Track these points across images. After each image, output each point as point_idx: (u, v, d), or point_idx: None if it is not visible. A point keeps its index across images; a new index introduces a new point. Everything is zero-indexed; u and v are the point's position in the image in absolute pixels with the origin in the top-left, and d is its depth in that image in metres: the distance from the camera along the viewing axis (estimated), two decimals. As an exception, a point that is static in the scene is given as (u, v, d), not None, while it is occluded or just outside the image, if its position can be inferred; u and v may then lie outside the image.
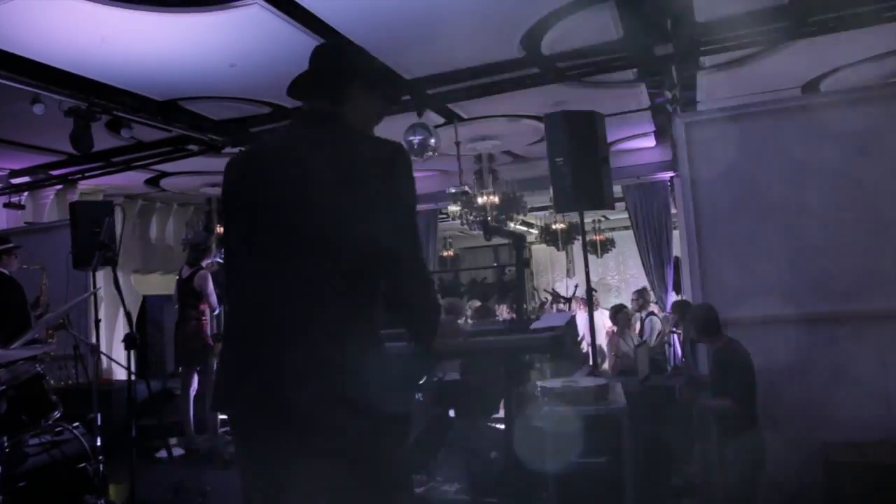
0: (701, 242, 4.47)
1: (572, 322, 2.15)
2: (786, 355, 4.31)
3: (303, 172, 1.71)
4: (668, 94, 6.65)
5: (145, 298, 10.03)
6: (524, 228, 14.88)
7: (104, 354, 4.26)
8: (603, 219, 14.85)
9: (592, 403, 2.58)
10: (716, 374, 3.86)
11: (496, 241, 13.67)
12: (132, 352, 3.79)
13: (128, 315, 3.93)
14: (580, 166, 4.06)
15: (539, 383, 2.74)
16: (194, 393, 6.76)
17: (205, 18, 4.78)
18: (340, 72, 1.89)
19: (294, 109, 1.75)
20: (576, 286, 6.36)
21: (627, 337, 7.22)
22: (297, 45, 5.16)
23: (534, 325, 2.15)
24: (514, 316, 7.45)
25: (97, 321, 6.05)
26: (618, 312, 7.49)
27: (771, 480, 4.13)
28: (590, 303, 4.25)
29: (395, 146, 1.78)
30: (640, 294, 10.32)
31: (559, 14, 5.15)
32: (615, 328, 7.43)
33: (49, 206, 9.31)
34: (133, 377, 3.73)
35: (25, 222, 9.02)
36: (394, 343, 1.92)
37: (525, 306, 9.32)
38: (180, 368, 7.03)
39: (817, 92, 7.17)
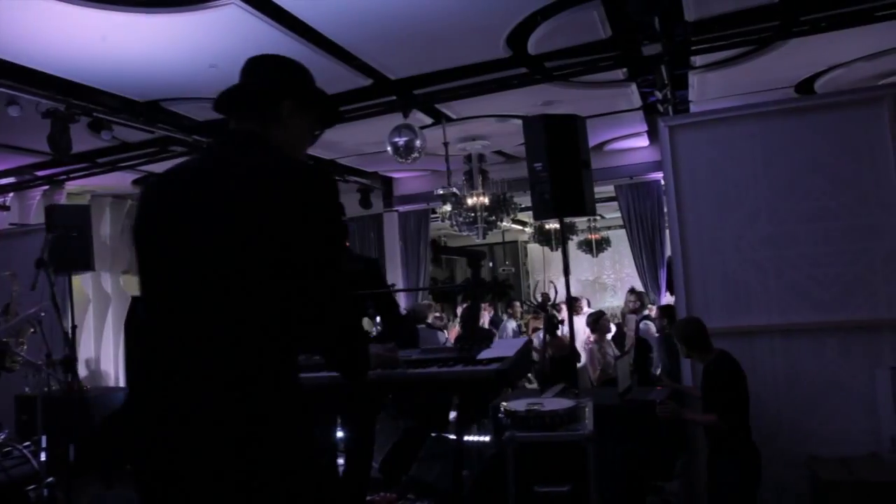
0: (685, 249, 4.35)
1: (525, 350, 2.02)
2: (772, 366, 4.19)
3: (211, 202, 1.55)
4: (659, 94, 6.53)
5: (134, 299, 9.91)
6: (519, 227, 14.78)
7: (58, 364, 4.12)
8: (599, 217, 14.74)
9: (558, 428, 2.47)
10: (706, 388, 3.73)
11: (490, 239, 13.60)
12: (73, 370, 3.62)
13: (65, 335, 3.77)
14: (560, 172, 3.92)
15: (503, 405, 2.62)
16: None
17: (181, 19, 4.69)
18: (273, 89, 1.73)
19: (219, 129, 1.63)
20: (555, 291, 6.18)
21: (607, 345, 7.07)
22: (276, 45, 5.06)
23: (481, 355, 2.03)
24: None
25: (73, 327, 5.96)
26: (597, 321, 7.31)
27: (756, 495, 4.03)
28: (570, 313, 4.11)
29: (320, 173, 1.62)
30: (638, 296, 10.19)
31: (544, 13, 5.04)
32: (595, 336, 7.26)
33: (35, 207, 9.20)
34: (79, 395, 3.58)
35: (10, 223, 8.92)
36: (322, 373, 1.78)
37: (510, 311, 9.20)
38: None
39: (806, 95, 7.06)
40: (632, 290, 10.71)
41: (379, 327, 3.57)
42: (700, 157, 4.36)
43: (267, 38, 4.95)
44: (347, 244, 3.76)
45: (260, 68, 1.79)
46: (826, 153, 4.13)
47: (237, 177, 1.57)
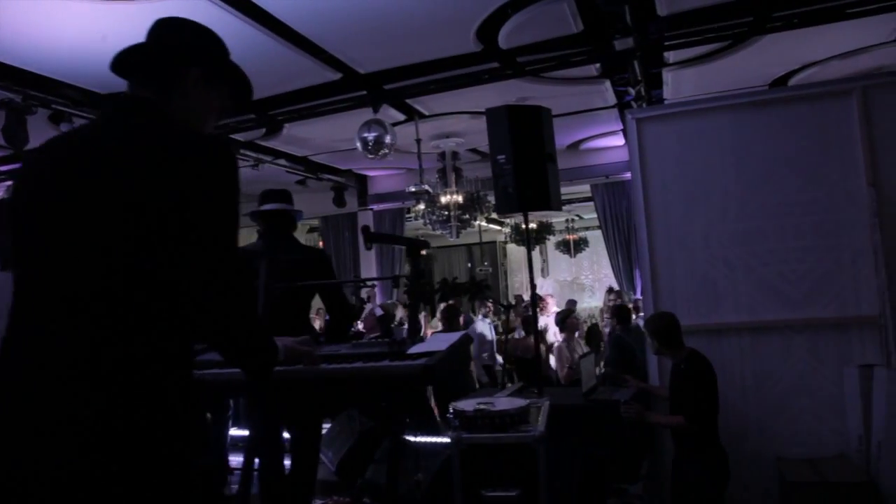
0: (653, 245, 4.24)
1: (459, 344, 1.90)
2: (740, 365, 4.10)
3: (95, 172, 1.39)
4: (632, 91, 6.45)
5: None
6: (497, 227, 14.69)
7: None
8: (577, 218, 14.70)
9: (508, 429, 2.34)
10: (675, 387, 3.62)
11: (468, 239, 13.50)
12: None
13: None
14: (524, 165, 3.80)
15: (452, 405, 2.49)
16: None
17: (142, 7, 4.54)
18: (177, 54, 1.58)
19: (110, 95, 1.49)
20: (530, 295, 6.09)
21: (576, 344, 6.97)
22: (241, 35, 4.93)
23: (413, 349, 1.89)
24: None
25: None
26: (564, 319, 7.19)
27: (725, 496, 3.94)
28: (534, 312, 4.00)
29: (218, 146, 1.46)
30: (618, 294, 10.14)
31: (515, 5, 4.95)
32: (564, 335, 7.14)
33: (-3, 202, 8.97)
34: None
35: (-29, 219, 8.67)
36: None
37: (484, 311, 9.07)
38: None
39: (775, 88, 7.02)
40: (610, 290, 10.66)
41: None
42: (669, 151, 4.26)
43: (231, 27, 4.81)
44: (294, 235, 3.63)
45: (167, 30, 1.63)
46: (796, 147, 4.05)
47: (125, 146, 1.42)
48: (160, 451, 1.33)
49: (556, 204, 3.94)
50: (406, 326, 2.56)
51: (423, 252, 2.28)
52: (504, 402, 2.49)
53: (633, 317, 8.19)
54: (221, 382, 1.93)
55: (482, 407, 2.37)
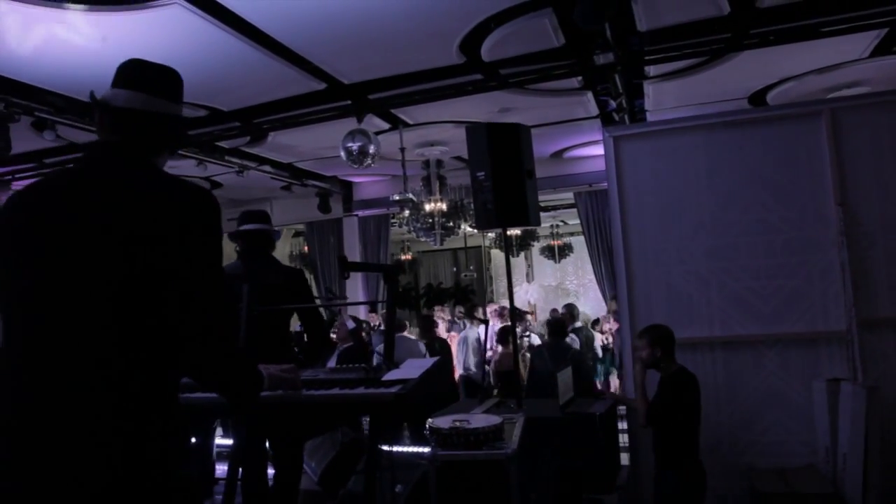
0: (629, 260, 4.34)
1: (433, 371, 1.96)
2: (713, 378, 4.20)
3: (91, 217, 1.48)
4: (614, 104, 6.55)
5: None
6: (481, 233, 14.74)
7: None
8: (562, 223, 14.81)
9: (482, 446, 2.42)
10: (660, 398, 3.67)
11: (453, 244, 13.57)
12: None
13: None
14: (503, 182, 3.88)
15: (429, 421, 2.56)
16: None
17: (124, 17, 4.57)
18: (169, 129, 1.69)
19: (97, 141, 1.53)
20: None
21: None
22: (223, 46, 4.96)
23: (388, 376, 1.96)
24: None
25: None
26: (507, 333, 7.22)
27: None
28: (513, 324, 4.07)
29: (206, 196, 1.58)
30: (568, 308, 10.07)
31: (497, 20, 5.02)
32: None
33: (-20, 207, 8.91)
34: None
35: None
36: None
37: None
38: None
39: (758, 106, 7.17)
40: (565, 306, 10.59)
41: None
42: (644, 169, 4.36)
43: (213, 38, 4.85)
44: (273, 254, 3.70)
45: (163, 86, 1.70)
46: (768, 166, 4.16)
47: (119, 192, 1.51)
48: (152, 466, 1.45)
49: (534, 220, 4.02)
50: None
51: (400, 275, 2.35)
52: (479, 419, 2.56)
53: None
54: (207, 406, 2.00)
55: (457, 424, 2.44)
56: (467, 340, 8.27)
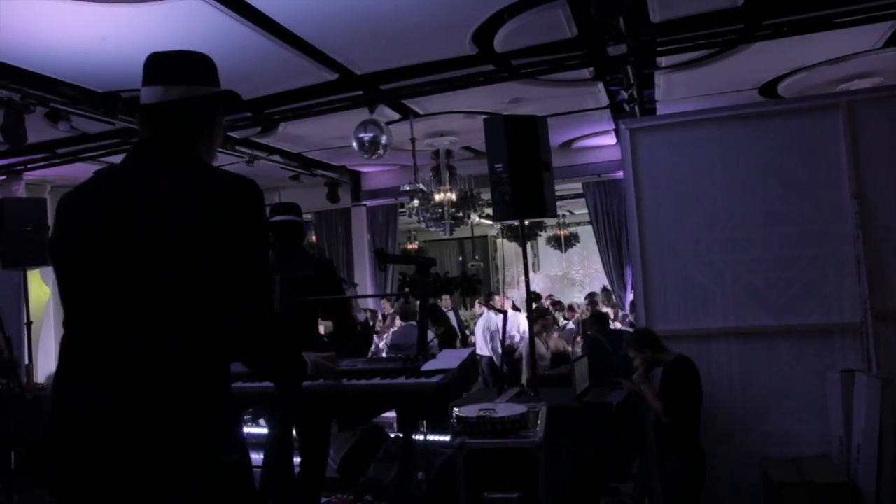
0: (645, 252, 4.37)
1: (469, 361, 2.01)
2: (728, 368, 4.24)
3: (144, 215, 1.52)
4: (625, 94, 6.56)
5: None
6: (488, 222, 14.78)
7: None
8: (568, 213, 14.80)
9: (509, 435, 2.47)
10: (663, 386, 3.78)
11: (460, 233, 13.59)
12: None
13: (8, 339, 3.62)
14: (521, 173, 3.91)
15: (455, 410, 2.61)
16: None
17: (140, 9, 4.58)
18: (208, 104, 1.70)
19: (139, 140, 1.53)
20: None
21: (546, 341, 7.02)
22: (240, 38, 4.97)
23: (426, 366, 2.00)
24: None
25: (28, 324, 5.83)
26: (539, 317, 7.22)
27: (712, 495, 4.09)
28: (529, 314, 4.10)
29: (246, 184, 1.61)
30: (594, 301, 10.02)
31: (510, 11, 5.03)
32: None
33: (-8, 197, 8.94)
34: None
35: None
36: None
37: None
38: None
39: (769, 96, 7.16)
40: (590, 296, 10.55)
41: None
42: (660, 161, 4.38)
43: (228, 29, 4.86)
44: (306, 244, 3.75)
45: (185, 76, 1.70)
46: (784, 159, 4.18)
47: (167, 191, 1.56)
48: (218, 451, 1.53)
49: (551, 211, 4.06)
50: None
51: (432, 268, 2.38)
52: (505, 409, 2.61)
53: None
54: (248, 394, 2.05)
55: (484, 413, 2.49)
56: (491, 324, 8.26)
